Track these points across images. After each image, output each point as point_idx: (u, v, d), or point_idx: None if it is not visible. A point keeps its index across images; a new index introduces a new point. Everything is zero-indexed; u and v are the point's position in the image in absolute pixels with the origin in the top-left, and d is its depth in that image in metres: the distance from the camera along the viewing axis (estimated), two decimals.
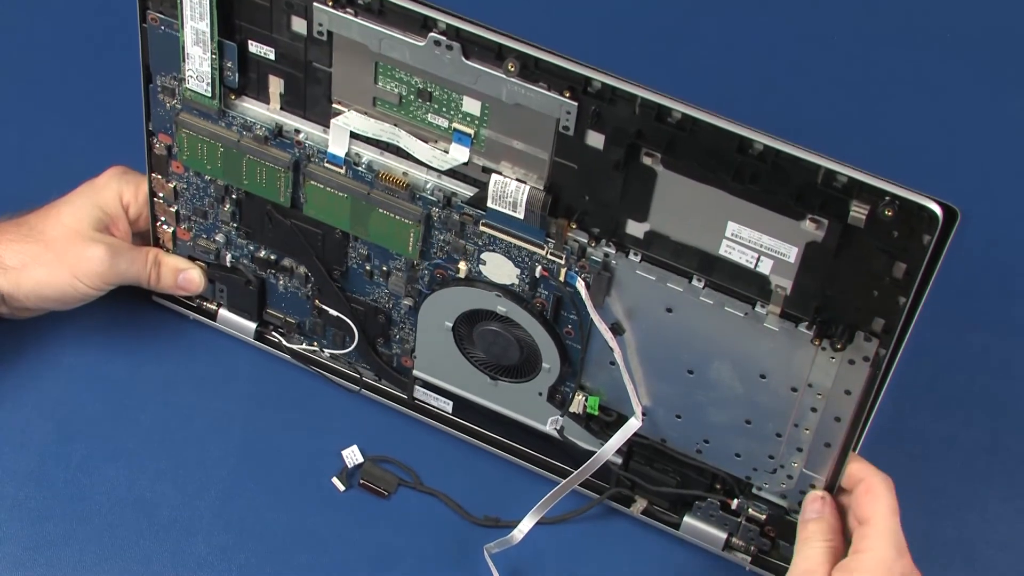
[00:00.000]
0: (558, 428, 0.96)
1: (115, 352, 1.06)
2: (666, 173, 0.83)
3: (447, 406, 1.01)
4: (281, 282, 1.01)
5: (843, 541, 0.89)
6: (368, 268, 0.96)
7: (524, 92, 0.83)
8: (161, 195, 1.00)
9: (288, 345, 1.04)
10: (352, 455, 1.01)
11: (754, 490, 0.95)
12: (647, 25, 1.33)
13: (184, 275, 1.02)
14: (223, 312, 1.06)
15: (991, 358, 1.11)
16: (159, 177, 0.99)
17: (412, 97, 0.87)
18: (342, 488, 1.00)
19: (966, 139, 1.13)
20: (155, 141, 0.97)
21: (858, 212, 0.78)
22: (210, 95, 0.92)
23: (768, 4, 1.36)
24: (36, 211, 1.00)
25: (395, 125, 0.89)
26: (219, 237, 1.01)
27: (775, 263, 0.83)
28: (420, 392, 1.02)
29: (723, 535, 0.98)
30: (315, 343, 1.04)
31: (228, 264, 1.02)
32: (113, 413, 1.02)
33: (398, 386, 1.03)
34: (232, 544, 0.97)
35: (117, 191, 1.00)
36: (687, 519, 0.98)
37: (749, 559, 0.98)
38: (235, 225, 0.99)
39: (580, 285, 0.89)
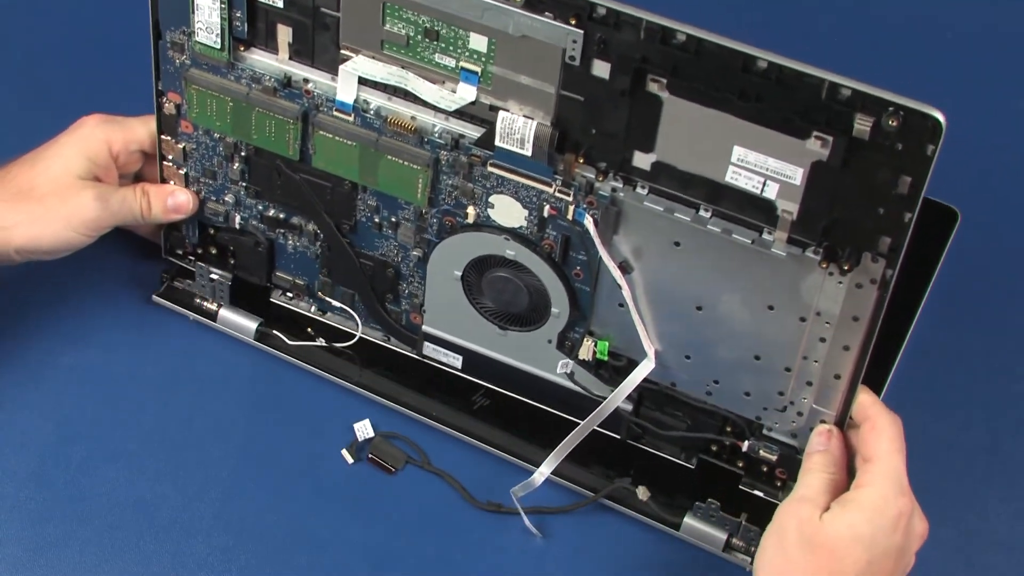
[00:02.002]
0: (568, 372, 0.97)
1: (115, 352, 1.06)
2: (672, 99, 0.84)
3: (456, 362, 1.02)
4: (290, 242, 1.02)
5: (846, 477, 0.89)
6: (377, 220, 0.97)
7: (530, 22, 0.84)
8: (171, 157, 1.01)
9: (289, 343, 1.05)
10: (364, 428, 1.02)
11: (764, 431, 0.95)
12: None
13: (172, 199, 1.02)
14: (223, 312, 1.07)
15: (991, 358, 1.11)
16: (168, 139, 1.00)
17: (419, 37, 0.88)
18: (350, 460, 1.01)
19: (966, 139, 1.14)
20: (164, 100, 0.99)
21: (862, 124, 0.79)
22: (219, 47, 0.94)
23: None
24: (18, 162, 1.00)
25: (403, 68, 0.90)
26: (228, 198, 1.02)
27: (781, 186, 0.84)
28: (429, 349, 1.02)
29: (723, 535, 0.98)
30: (318, 339, 1.04)
31: (237, 226, 1.03)
32: (113, 413, 1.03)
33: (407, 344, 1.03)
34: (232, 545, 0.97)
35: (106, 140, 1.00)
36: (687, 519, 0.98)
37: (750, 560, 0.98)
38: (244, 184, 1.00)
39: (588, 222, 0.90)
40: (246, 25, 0.93)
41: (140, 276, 1.09)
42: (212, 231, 1.04)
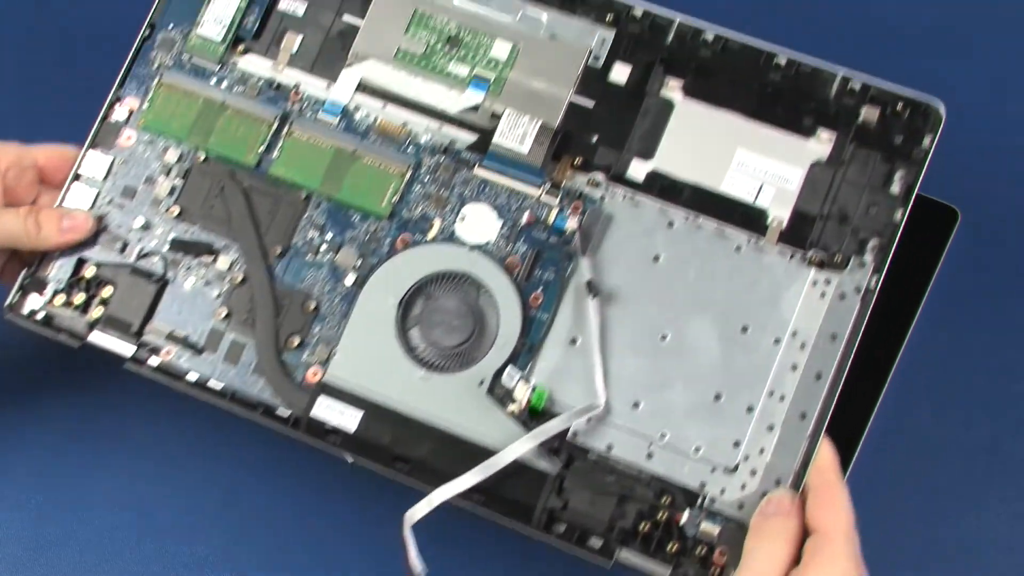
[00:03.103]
0: (516, 381, 0.87)
1: None
2: (685, 102, 0.91)
3: (352, 422, 0.89)
4: (191, 278, 0.93)
5: (799, 551, 0.83)
6: (316, 242, 0.92)
7: (565, 22, 0.93)
8: (86, 176, 0.94)
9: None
10: None
11: (707, 502, 0.86)
12: None
13: (68, 219, 0.93)
14: None
15: (991, 358, 1.09)
16: (94, 152, 0.95)
17: (439, 46, 0.94)
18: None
19: (966, 139, 1.15)
20: (117, 106, 0.95)
21: (869, 115, 0.89)
22: (220, 39, 0.95)
23: None
24: None
25: (411, 76, 0.94)
26: (137, 221, 0.93)
27: (776, 192, 0.89)
28: (323, 406, 0.89)
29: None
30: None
31: (134, 259, 0.93)
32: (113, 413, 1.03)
33: (293, 404, 0.90)
34: (232, 545, 0.97)
35: None
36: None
37: None
38: (166, 207, 0.93)
39: (572, 222, 0.90)
40: (256, 26, 0.95)
41: None
42: (93, 269, 0.93)
